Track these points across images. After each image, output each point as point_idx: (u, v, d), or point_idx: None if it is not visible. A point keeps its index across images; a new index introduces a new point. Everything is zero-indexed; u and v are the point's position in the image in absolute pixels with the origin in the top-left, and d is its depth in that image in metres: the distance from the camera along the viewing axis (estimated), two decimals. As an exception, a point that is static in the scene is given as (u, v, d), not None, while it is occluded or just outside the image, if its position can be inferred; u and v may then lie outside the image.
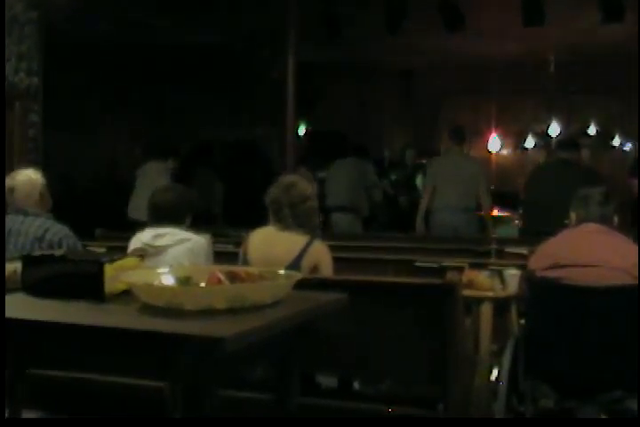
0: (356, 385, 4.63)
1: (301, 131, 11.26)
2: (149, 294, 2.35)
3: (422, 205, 7.40)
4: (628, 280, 3.67)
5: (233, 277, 2.43)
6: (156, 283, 2.46)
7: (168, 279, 2.50)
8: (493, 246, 5.44)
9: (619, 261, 3.72)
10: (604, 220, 3.93)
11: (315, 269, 4.19)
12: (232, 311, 2.26)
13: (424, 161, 9.22)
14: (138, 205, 7.37)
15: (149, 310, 2.32)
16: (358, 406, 4.15)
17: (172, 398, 2.33)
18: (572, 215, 4.03)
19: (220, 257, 4.45)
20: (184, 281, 2.49)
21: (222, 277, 2.43)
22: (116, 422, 3.60)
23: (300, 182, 4.36)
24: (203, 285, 2.44)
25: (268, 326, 2.18)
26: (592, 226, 3.90)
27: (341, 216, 8.18)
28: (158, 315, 2.26)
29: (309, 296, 2.52)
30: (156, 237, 4.18)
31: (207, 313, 2.26)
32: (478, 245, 5.60)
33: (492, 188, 8.55)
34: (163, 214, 4.25)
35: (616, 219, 4.03)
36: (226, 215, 8.58)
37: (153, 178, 7.67)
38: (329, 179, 8.43)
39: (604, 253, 3.75)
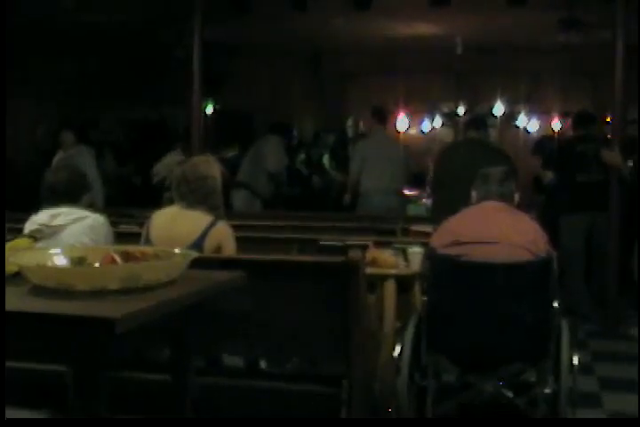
0: (263, 364, 4.64)
1: (209, 111, 11.16)
2: (40, 275, 2.30)
3: (351, 186, 7.43)
4: (526, 256, 3.75)
5: (127, 257, 2.40)
6: (48, 264, 2.41)
7: (61, 260, 2.46)
8: (399, 225, 5.49)
9: (518, 237, 3.79)
10: (504, 198, 4.00)
11: (218, 249, 4.17)
12: (125, 292, 2.23)
13: (331, 140, 9.25)
14: None
15: (41, 291, 2.27)
16: (264, 385, 4.16)
17: (72, 382, 2.29)
18: (473, 193, 4.09)
19: (123, 238, 4.39)
20: (78, 262, 2.45)
21: (116, 257, 2.39)
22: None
23: (203, 161, 4.36)
24: (97, 265, 2.40)
25: (161, 305, 2.16)
26: (492, 204, 3.97)
27: (243, 194, 8.12)
28: (50, 297, 2.22)
29: (205, 275, 2.50)
30: (52, 217, 4.09)
31: (100, 294, 2.22)
32: (385, 224, 5.64)
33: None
34: (57, 195, 4.17)
35: (516, 197, 4.11)
36: (132, 195, 8.47)
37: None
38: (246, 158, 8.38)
39: (503, 230, 3.82)
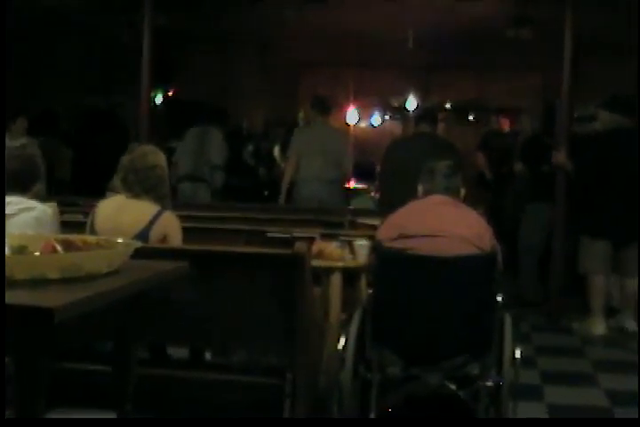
0: (208, 356, 4.63)
1: (159, 99, 11.05)
2: (-23, 263, 2.25)
3: (286, 176, 7.37)
4: (471, 250, 3.78)
5: (68, 246, 2.37)
6: (-14, 252, 2.36)
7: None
8: (347, 217, 5.50)
9: (463, 231, 3.82)
10: (450, 191, 4.02)
11: (164, 239, 4.14)
12: (65, 281, 2.20)
13: (282, 132, 9.20)
14: None
15: (-22, 280, 2.22)
16: (208, 377, 4.15)
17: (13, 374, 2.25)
18: (419, 187, 4.11)
19: (68, 227, 4.32)
20: (18, 250, 2.40)
21: (57, 245, 2.36)
22: None
23: (150, 152, 4.33)
24: (37, 254, 2.36)
25: (101, 295, 2.13)
26: (438, 197, 3.99)
27: (188, 185, 7.95)
28: (-13, 286, 2.17)
29: (149, 265, 2.48)
30: (-1, 206, 4.02)
31: (39, 283, 2.19)
32: (332, 217, 5.64)
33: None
34: (8, 183, 4.09)
35: (462, 191, 4.14)
36: (78, 184, 8.35)
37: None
38: (179, 147, 8.15)
39: (448, 224, 3.84)
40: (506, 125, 8.76)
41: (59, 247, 2.35)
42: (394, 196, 5.96)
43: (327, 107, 7.51)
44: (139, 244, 2.52)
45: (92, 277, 2.25)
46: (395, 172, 6.60)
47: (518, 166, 7.36)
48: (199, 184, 7.92)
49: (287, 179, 7.34)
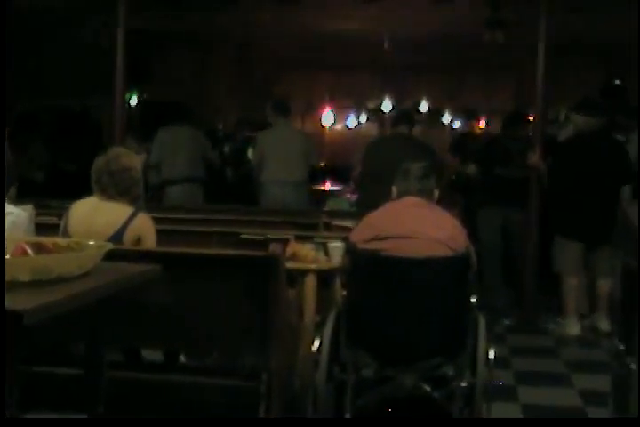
0: (183, 358, 4.61)
1: (134, 101, 11.01)
2: (-53, 266, 2.23)
3: (257, 177, 7.38)
4: (445, 251, 3.79)
5: (39, 249, 2.35)
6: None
7: (-29, 251, 2.39)
8: (321, 219, 5.50)
9: (437, 233, 3.82)
10: (424, 193, 4.02)
11: (138, 241, 4.12)
12: (36, 284, 2.19)
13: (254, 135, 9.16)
14: None
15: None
16: (183, 380, 4.14)
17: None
18: (394, 189, 4.12)
19: (43, 229, 4.30)
20: (-12, 253, 2.39)
21: (28, 248, 2.34)
22: None
23: (124, 154, 4.32)
24: (7, 257, 2.34)
25: (72, 298, 2.12)
26: (411, 199, 4.00)
27: (180, 188, 7.88)
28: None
29: (120, 268, 2.47)
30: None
31: (10, 286, 2.17)
32: (307, 219, 5.64)
33: (323, 164, 8.61)
34: None
35: (436, 193, 4.15)
36: (52, 187, 8.29)
37: None
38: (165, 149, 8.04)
39: (422, 226, 3.85)
40: (478, 128, 8.76)
41: (29, 250, 2.34)
42: (371, 197, 5.98)
43: (287, 108, 7.50)
44: (110, 246, 2.51)
45: (63, 280, 2.24)
46: (371, 173, 6.61)
47: (471, 169, 7.16)
48: (198, 185, 7.87)
49: (257, 181, 7.34)
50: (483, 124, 10.30)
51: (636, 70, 8.70)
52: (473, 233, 4.28)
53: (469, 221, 5.91)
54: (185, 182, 7.76)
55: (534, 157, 6.44)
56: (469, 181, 7.16)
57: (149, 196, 6.89)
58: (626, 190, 6.13)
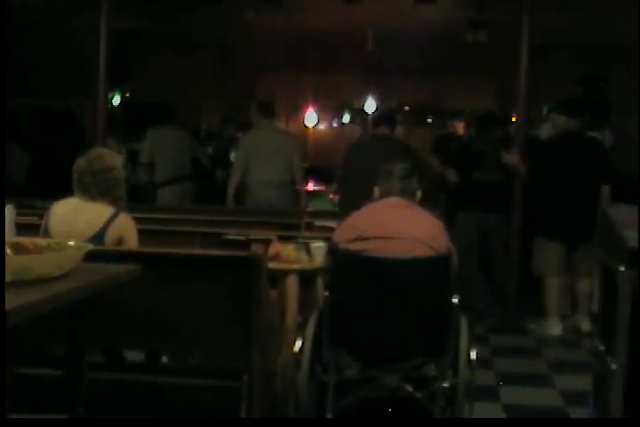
0: (165, 359, 4.60)
1: (116, 101, 10.97)
2: None
3: (233, 179, 7.33)
4: (427, 252, 3.79)
5: (18, 249, 2.34)
6: None
7: (-50, 252, 2.37)
8: (304, 220, 5.49)
9: (418, 233, 3.83)
10: (406, 194, 4.03)
11: (120, 241, 4.11)
12: (15, 284, 2.17)
13: (239, 135, 9.14)
14: None
15: None
16: (164, 380, 4.13)
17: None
18: (376, 189, 4.13)
19: (24, 229, 4.27)
20: (-32, 254, 2.37)
21: (7, 248, 2.33)
22: None
23: (106, 154, 4.32)
24: (-14, 257, 2.33)
25: (52, 299, 2.11)
26: (393, 200, 4.01)
27: (170, 188, 7.87)
28: None
29: (101, 268, 2.46)
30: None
31: (-11, 287, 2.15)
32: (290, 219, 5.63)
33: (306, 164, 8.57)
34: None
35: (418, 193, 4.15)
36: (34, 187, 8.25)
37: None
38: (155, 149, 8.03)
39: (404, 226, 3.86)
40: (460, 129, 8.75)
41: (8, 250, 2.32)
42: (353, 198, 5.98)
43: (272, 110, 7.48)
44: (91, 246, 2.50)
45: (42, 281, 2.23)
46: (354, 174, 6.60)
47: (450, 174, 7.04)
48: (187, 186, 7.87)
49: (234, 182, 7.28)
50: (465, 124, 10.29)
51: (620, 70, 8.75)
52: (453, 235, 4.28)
53: (450, 223, 5.91)
54: (175, 183, 7.78)
55: (509, 157, 6.45)
56: (449, 185, 7.15)
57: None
58: (606, 190, 6.16)
